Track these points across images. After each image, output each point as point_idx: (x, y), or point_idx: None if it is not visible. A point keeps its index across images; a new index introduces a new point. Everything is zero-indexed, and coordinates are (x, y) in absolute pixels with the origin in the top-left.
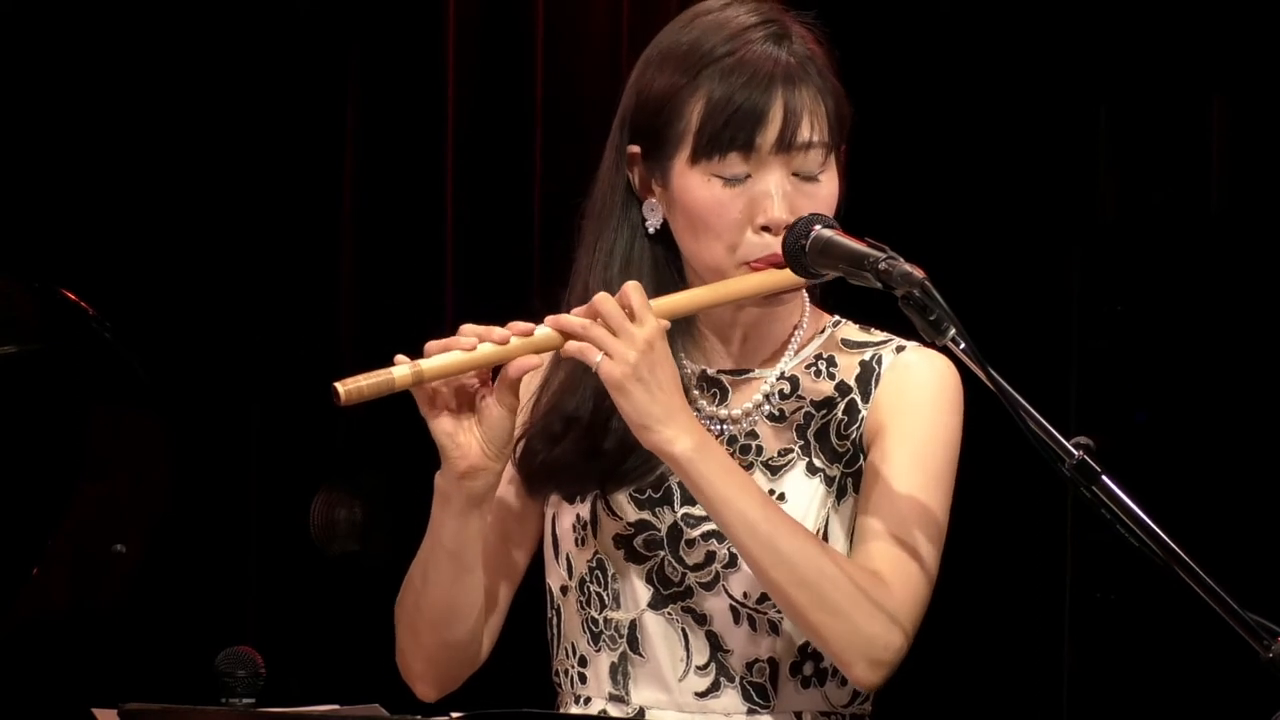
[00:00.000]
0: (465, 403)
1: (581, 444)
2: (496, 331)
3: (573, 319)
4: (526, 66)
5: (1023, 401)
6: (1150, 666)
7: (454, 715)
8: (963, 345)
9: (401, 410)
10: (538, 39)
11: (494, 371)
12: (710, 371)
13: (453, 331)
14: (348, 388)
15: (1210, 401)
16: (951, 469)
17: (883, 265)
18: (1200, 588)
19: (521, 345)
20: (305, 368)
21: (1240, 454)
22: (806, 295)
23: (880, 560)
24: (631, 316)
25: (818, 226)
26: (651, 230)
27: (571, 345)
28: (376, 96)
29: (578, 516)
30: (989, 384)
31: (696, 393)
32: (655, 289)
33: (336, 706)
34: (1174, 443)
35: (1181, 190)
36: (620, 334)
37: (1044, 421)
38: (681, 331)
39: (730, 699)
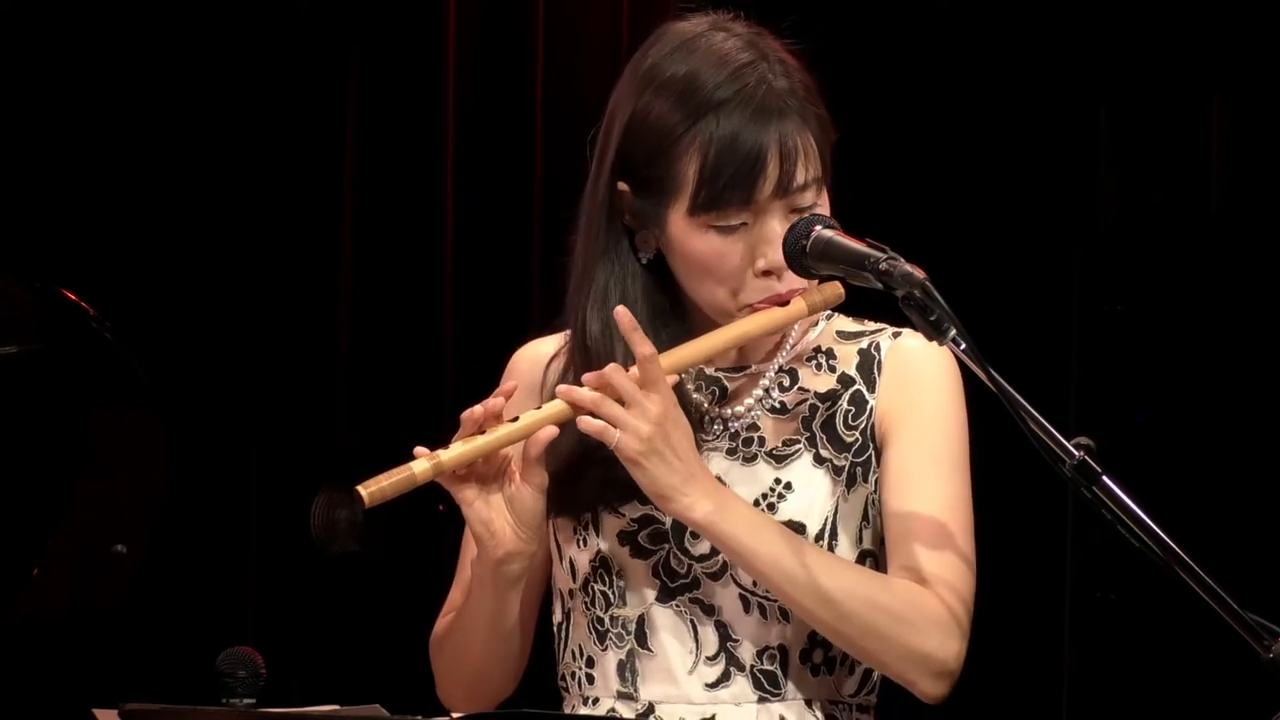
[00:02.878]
0: (496, 487)
1: (600, 473)
2: (491, 403)
3: (584, 394)
4: (526, 66)
5: (1023, 402)
6: (1150, 666)
7: (454, 715)
8: (963, 345)
9: (401, 411)
10: (538, 39)
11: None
12: (709, 371)
13: (452, 329)
14: (370, 490)
15: (1210, 401)
16: (966, 453)
17: (883, 265)
18: (1200, 588)
19: (535, 419)
20: (305, 368)
21: (1240, 454)
22: None
23: (921, 565)
24: (642, 385)
25: (818, 227)
26: (644, 261)
27: (590, 424)
28: (376, 96)
29: (578, 518)
30: (989, 384)
31: (697, 395)
32: (652, 318)
33: (336, 707)
34: (1174, 443)
35: (1181, 190)
36: (633, 406)
37: (1044, 422)
38: (677, 332)
39: (740, 688)
